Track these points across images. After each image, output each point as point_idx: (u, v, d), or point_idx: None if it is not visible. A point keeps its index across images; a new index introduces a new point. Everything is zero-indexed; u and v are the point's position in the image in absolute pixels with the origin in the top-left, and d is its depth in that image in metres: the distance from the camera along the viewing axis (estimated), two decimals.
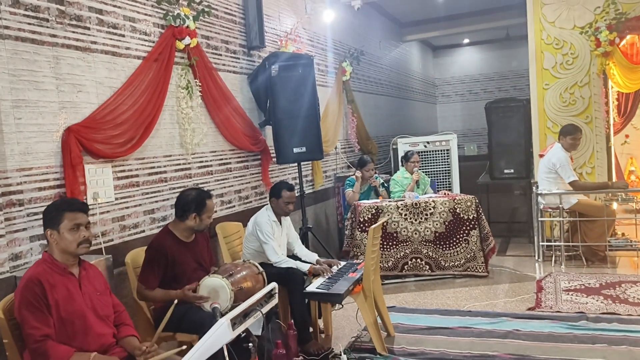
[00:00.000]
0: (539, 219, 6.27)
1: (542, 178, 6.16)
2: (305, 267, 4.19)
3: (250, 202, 5.33)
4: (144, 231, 3.89)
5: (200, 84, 4.44)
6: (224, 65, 4.98)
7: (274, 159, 5.53)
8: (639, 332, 3.95)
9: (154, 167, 4.02)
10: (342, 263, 4.45)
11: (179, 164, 4.31)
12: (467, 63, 14.49)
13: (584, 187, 6.03)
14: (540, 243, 6.27)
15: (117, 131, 3.58)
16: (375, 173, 6.63)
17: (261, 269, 3.48)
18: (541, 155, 6.29)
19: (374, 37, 9.48)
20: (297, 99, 5.36)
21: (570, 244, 6.12)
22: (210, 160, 4.72)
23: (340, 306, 4.75)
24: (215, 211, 4.71)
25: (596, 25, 6.41)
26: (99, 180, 3.50)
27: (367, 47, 8.72)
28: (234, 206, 5.06)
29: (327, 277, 4.08)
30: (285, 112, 5.32)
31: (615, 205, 6.76)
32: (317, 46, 6.99)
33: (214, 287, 3.16)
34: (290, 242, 4.56)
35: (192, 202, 3.39)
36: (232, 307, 3.17)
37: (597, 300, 4.74)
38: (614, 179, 6.90)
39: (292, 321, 3.94)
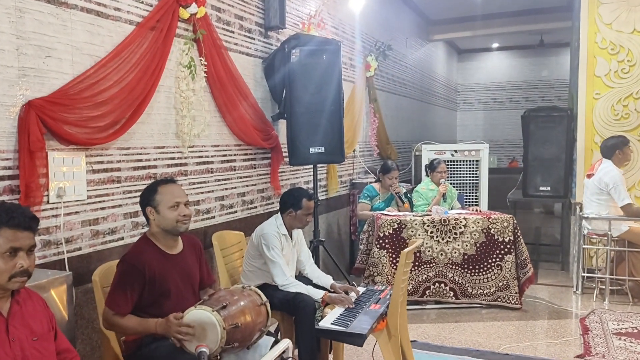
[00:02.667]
0: (582, 246, 5.50)
1: (591, 200, 5.38)
2: (318, 295, 3.42)
3: (256, 207, 4.58)
4: (122, 238, 3.13)
5: (205, 63, 3.69)
6: (236, 44, 4.23)
7: (286, 159, 4.76)
8: None
9: (141, 160, 3.27)
10: (361, 289, 3.70)
11: (173, 158, 3.56)
12: (494, 69, 13.68)
13: (638, 212, 5.26)
14: (581, 274, 5.50)
15: (97, 112, 2.83)
16: (398, 181, 5.87)
17: (265, 299, 2.71)
18: (589, 175, 5.52)
19: (400, 32, 8.72)
20: (319, 90, 4.58)
21: (615, 277, 5.35)
22: (212, 156, 3.97)
23: None
24: (213, 216, 3.99)
25: None
26: (67, 173, 2.75)
27: (393, 42, 7.95)
28: (236, 212, 4.31)
29: (344, 308, 3.32)
30: (303, 105, 4.55)
31: None
32: (341, 35, 6.24)
33: (201, 322, 2.39)
34: (301, 261, 3.81)
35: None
36: (224, 350, 2.43)
37: None
38: None
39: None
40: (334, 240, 6.18)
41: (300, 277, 3.77)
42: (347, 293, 3.56)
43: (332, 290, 3.59)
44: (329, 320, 3.10)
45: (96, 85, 2.84)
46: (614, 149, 5.33)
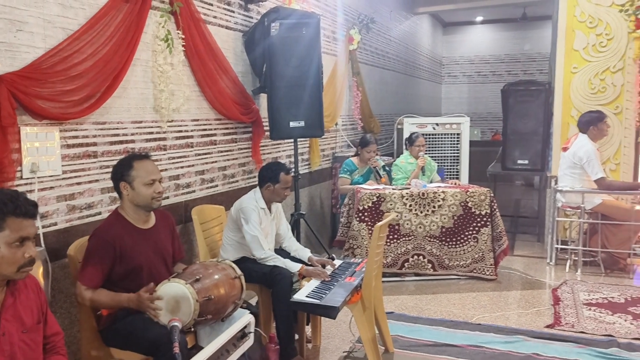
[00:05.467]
0: (556, 218, 5.56)
1: (565, 173, 5.42)
2: (295, 267, 3.44)
3: (237, 181, 4.56)
4: (100, 213, 3.10)
5: (183, 36, 3.62)
6: (215, 17, 4.15)
7: (268, 133, 4.73)
8: None
9: (117, 135, 3.23)
10: (337, 262, 3.71)
11: (151, 133, 3.52)
12: (478, 43, 13.58)
13: (611, 185, 5.30)
14: (555, 245, 5.57)
15: (70, 86, 2.77)
16: (377, 155, 5.87)
17: (239, 272, 2.72)
18: (565, 148, 5.55)
19: (385, 5, 8.59)
20: (300, 64, 4.52)
21: (588, 249, 5.42)
22: (191, 130, 3.92)
23: None
24: (193, 191, 3.96)
25: (638, 3, 5.57)
26: (41, 148, 2.70)
27: (377, 15, 7.86)
28: (217, 186, 4.28)
29: (320, 281, 3.34)
30: (284, 79, 4.49)
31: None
32: (323, 8, 6.14)
33: (175, 295, 2.39)
34: (280, 234, 3.81)
35: None
36: (197, 323, 2.44)
37: (625, 321, 4.06)
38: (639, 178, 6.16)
39: (275, 332, 3.24)
40: (316, 213, 6.19)
41: (279, 250, 3.77)
42: (324, 266, 3.58)
43: (310, 263, 3.61)
44: (303, 293, 3.12)
45: (69, 58, 2.78)
46: (588, 124, 5.34)
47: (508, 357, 3.48)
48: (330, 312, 2.96)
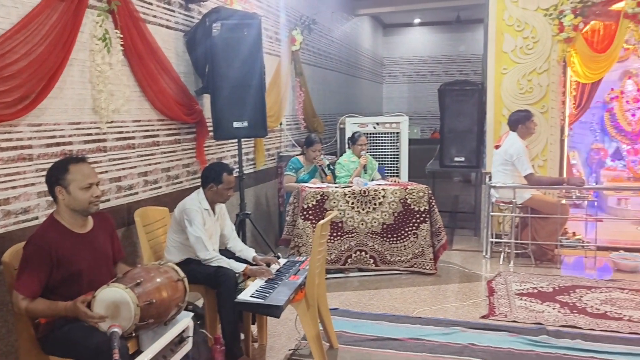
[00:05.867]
0: (490, 213, 5.74)
1: (498, 170, 5.60)
2: (239, 268, 3.40)
3: (181, 182, 4.46)
4: (37, 218, 2.96)
5: (122, 36, 3.51)
6: (155, 17, 4.04)
7: (211, 134, 4.65)
8: (607, 354, 3.44)
9: (54, 137, 3.09)
10: (282, 261, 3.70)
11: (90, 134, 3.39)
12: (417, 44, 13.84)
13: (539, 181, 5.51)
14: (489, 239, 5.75)
15: (3, 87, 2.63)
16: (321, 154, 5.90)
17: (182, 274, 2.66)
18: (497, 146, 5.73)
19: (326, 6, 8.62)
20: (242, 65, 4.47)
21: (520, 241, 5.63)
22: (133, 132, 3.81)
23: None
24: (136, 192, 3.86)
25: (561, 7, 5.80)
26: None
27: (319, 16, 7.87)
28: (161, 187, 4.17)
29: (264, 280, 3.32)
30: (227, 80, 4.43)
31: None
32: (265, 9, 6.09)
33: (114, 300, 2.32)
34: (224, 235, 3.76)
35: None
36: (139, 327, 2.37)
37: (553, 309, 4.23)
38: (564, 173, 6.44)
39: (221, 333, 3.20)
40: (262, 212, 6.15)
41: (224, 251, 3.72)
42: (268, 265, 3.56)
43: (255, 263, 3.58)
44: (248, 293, 3.09)
45: (2, 58, 2.64)
46: (517, 123, 5.54)
47: (446, 348, 3.56)
48: (274, 311, 2.95)
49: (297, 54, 6.94)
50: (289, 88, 6.76)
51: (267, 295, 3.07)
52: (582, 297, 4.49)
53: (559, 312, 4.18)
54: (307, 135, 5.92)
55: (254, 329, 3.69)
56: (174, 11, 4.32)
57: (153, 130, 4.06)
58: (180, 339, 1.86)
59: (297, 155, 5.88)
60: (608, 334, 3.77)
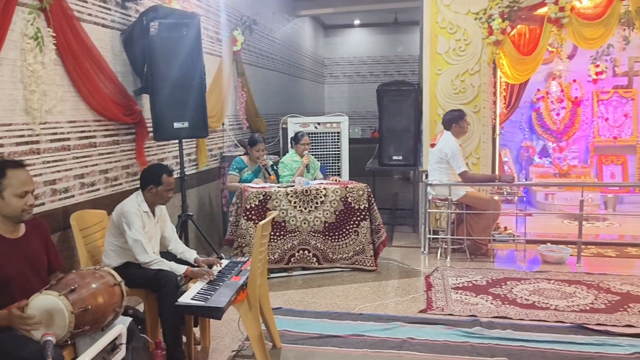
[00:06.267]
0: (427, 210, 5.86)
1: (434, 168, 5.72)
2: (180, 270, 3.32)
3: (121, 184, 4.31)
4: None
5: (54, 34, 3.35)
6: (90, 15, 3.89)
7: (151, 134, 4.53)
8: (535, 342, 3.57)
9: None
10: (225, 262, 3.65)
11: (22, 136, 3.22)
12: (357, 45, 13.96)
13: (472, 178, 5.67)
14: (427, 235, 5.87)
15: None
16: (265, 154, 5.86)
17: (119, 278, 2.57)
18: (432, 145, 5.86)
19: (267, 7, 8.56)
20: (181, 65, 4.37)
21: (456, 237, 5.78)
22: (68, 133, 3.65)
23: None
24: (72, 195, 3.70)
25: (490, 12, 5.99)
26: None
27: (260, 17, 7.81)
28: (99, 189, 4.02)
29: (206, 282, 3.25)
30: (166, 80, 4.32)
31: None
32: (205, 8, 5.98)
33: (48, 308, 2.21)
34: (165, 237, 3.66)
35: None
36: (74, 335, 2.28)
37: (486, 301, 4.37)
38: (497, 171, 6.66)
39: (162, 337, 3.11)
40: (206, 213, 6.04)
41: (165, 253, 3.63)
42: (210, 267, 3.50)
43: (196, 265, 3.51)
44: (189, 295, 3.02)
45: None
46: (451, 122, 5.67)
47: (386, 343, 3.61)
48: (216, 313, 2.90)
49: (239, 54, 6.86)
50: (231, 88, 6.67)
51: (209, 297, 3.02)
52: (512, 288, 4.65)
53: (492, 304, 4.31)
54: (251, 135, 5.87)
55: (196, 331, 3.62)
56: (109, 9, 4.17)
57: (89, 131, 3.91)
58: (113, 346, 1.79)
59: (240, 155, 5.81)
60: (536, 323, 3.92)
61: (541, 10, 5.85)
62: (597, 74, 8.23)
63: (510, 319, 4.01)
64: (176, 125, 4.44)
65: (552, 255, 5.45)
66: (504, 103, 6.61)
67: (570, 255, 5.43)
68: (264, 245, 3.41)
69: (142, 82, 4.46)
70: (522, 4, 5.92)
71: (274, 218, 4.88)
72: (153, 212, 3.55)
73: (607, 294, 4.45)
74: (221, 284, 3.23)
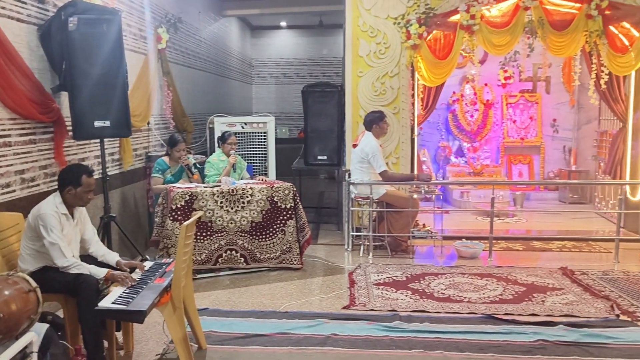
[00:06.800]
0: (350, 208, 5.95)
1: (356, 167, 5.82)
2: (101, 273, 3.18)
3: (38, 185, 4.07)
4: None
5: None
6: (3, 9, 3.64)
7: (71, 133, 4.31)
8: (450, 333, 3.71)
9: None
10: (148, 264, 3.53)
11: None
12: (283, 46, 13.93)
13: (392, 177, 5.81)
14: (351, 233, 5.96)
15: None
16: (190, 154, 5.74)
17: (34, 284, 2.43)
18: (354, 145, 5.95)
19: (193, 5, 8.36)
20: (102, 62, 4.20)
21: (377, 234, 5.90)
22: None
23: None
24: None
25: (408, 17, 6.17)
26: None
27: (185, 15, 7.63)
28: (14, 191, 3.78)
29: (128, 285, 3.14)
30: (86, 77, 4.14)
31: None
32: (129, 5, 5.75)
33: None
34: (85, 240, 3.49)
35: None
36: None
37: (406, 296, 4.49)
38: (415, 170, 6.86)
39: (82, 343, 2.97)
40: (131, 214, 5.81)
41: (86, 256, 3.47)
42: (133, 269, 3.38)
43: (118, 268, 3.38)
44: (110, 299, 2.90)
45: None
46: (371, 123, 5.79)
47: (310, 340, 3.63)
48: (138, 316, 2.80)
49: (164, 53, 6.66)
50: (157, 87, 6.47)
51: (131, 300, 2.91)
52: (430, 283, 4.80)
53: (411, 298, 4.44)
54: (171, 135, 5.72)
55: (119, 335, 3.48)
56: (25, 3, 3.92)
57: (3, 130, 3.67)
58: (23, 355, 1.68)
59: (163, 156, 5.65)
60: (451, 315, 4.08)
61: (454, 18, 6.09)
62: (505, 78, 8.68)
63: (428, 312, 4.14)
64: (97, 124, 4.27)
65: (467, 251, 5.69)
66: (422, 105, 6.81)
67: (483, 250, 5.69)
68: (189, 246, 3.33)
69: (60, 79, 4.23)
70: (437, 11, 6.13)
71: (199, 218, 4.82)
72: (72, 214, 3.38)
73: (514, 286, 4.70)
74: (144, 286, 3.12)
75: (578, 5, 5.93)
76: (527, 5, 5.89)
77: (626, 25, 5.99)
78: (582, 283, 4.73)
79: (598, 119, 7.80)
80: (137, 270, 3.37)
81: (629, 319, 3.95)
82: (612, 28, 5.98)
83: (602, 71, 6.20)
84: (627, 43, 6.00)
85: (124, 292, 3.01)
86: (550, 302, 4.31)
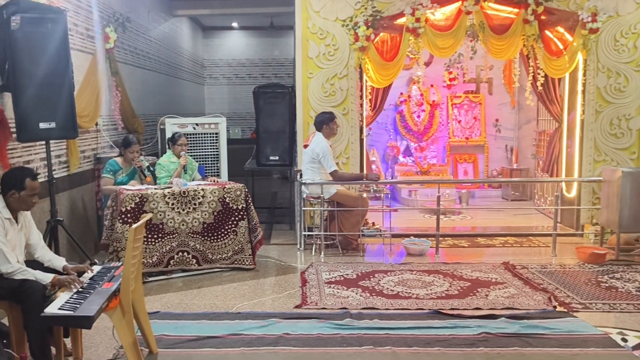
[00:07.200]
0: (302, 208, 5.96)
1: (307, 167, 5.84)
2: (47, 278, 3.08)
3: None
4: None
5: None
6: None
7: (15, 135, 4.13)
8: (399, 329, 3.77)
9: None
10: (97, 268, 3.43)
11: None
12: (235, 47, 13.78)
13: (342, 177, 5.86)
14: (303, 232, 5.97)
15: None
16: (142, 155, 5.61)
17: None
18: (305, 146, 5.97)
19: (142, 5, 8.17)
20: (46, 62, 4.06)
21: (329, 233, 5.94)
22: None
23: None
24: None
25: (355, 19, 6.23)
26: None
27: (134, 15, 7.44)
28: None
29: (75, 289, 3.04)
30: (29, 77, 4.00)
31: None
32: (75, 3, 5.56)
33: None
34: (31, 244, 3.37)
35: None
36: None
37: (356, 294, 4.54)
38: (364, 170, 6.93)
39: (29, 351, 2.86)
40: (79, 217, 5.62)
41: (32, 261, 3.34)
42: (81, 274, 3.28)
43: (65, 273, 3.27)
44: (56, 305, 2.81)
45: None
46: (322, 124, 5.83)
47: (262, 340, 3.61)
48: (85, 322, 2.72)
49: (112, 52, 6.47)
50: (105, 87, 6.28)
51: (78, 306, 2.82)
52: (380, 280, 4.87)
53: (361, 296, 4.49)
54: (124, 136, 5.58)
55: (68, 342, 3.36)
56: None
57: None
58: None
59: (115, 157, 5.50)
60: (400, 311, 4.15)
61: (400, 20, 6.20)
62: (450, 80, 8.90)
63: (378, 309, 4.20)
64: (42, 125, 4.12)
65: (415, 248, 5.80)
66: (370, 106, 6.89)
67: (430, 247, 5.81)
68: (138, 249, 3.26)
69: (3, 80, 4.07)
70: (384, 14, 6.22)
71: (150, 220, 4.73)
72: (16, 218, 3.26)
73: (460, 281, 4.83)
74: (92, 291, 3.03)
75: (516, 10, 6.16)
76: (469, 10, 6.07)
77: (560, 29, 6.27)
78: (522, 277, 4.91)
79: (536, 119, 8.11)
80: (85, 274, 3.27)
81: (565, 310, 4.13)
82: (547, 32, 6.24)
83: (539, 73, 6.46)
84: (561, 47, 6.27)
85: (71, 298, 2.92)
86: (493, 296, 4.45)
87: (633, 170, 5.50)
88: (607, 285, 4.71)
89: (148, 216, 3.50)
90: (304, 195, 5.89)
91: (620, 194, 5.39)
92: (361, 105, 6.55)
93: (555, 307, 4.20)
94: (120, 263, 3.55)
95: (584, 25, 6.08)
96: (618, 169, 5.54)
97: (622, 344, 3.55)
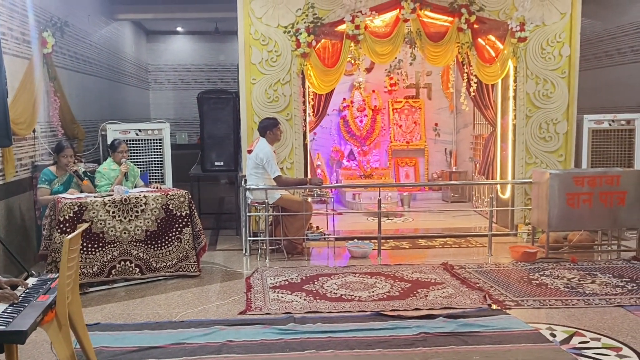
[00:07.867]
0: (247, 213, 5.92)
1: (251, 173, 5.81)
2: None
3: None
4: None
5: None
6: None
7: None
8: (341, 332, 3.80)
9: None
10: (32, 281, 3.28)
11: None
12: (180, 52, 13.51)
13: (286, 182, 5.87)
14: (248, 238, 5.93)
15: None
16: (80, 161, 5.42)
17: None
18: (249, 151, 5.94)
19: (81, 8, 7.89)
20: None
21: (274, 238, 5.92)
22: None
23: None
24: None
25: (297, 26, 6.26)
26: None
27: (73, 19, 7.19)
28: None
29: (9, 304, 2.90)
30: None
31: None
32: (9, 7, 5.32)
33: None
34: None
35: None
36: None
37: (300, 298, 4.54)
38: (309, 174, 6.96)
39: None
40: (16, 227, 5.36)
41: None
42: (14, 287, 3.13)
43: None
44: None
45: None
46: (265, 129, 5.82)
47: (205, 349, 3.56)
48: (18, 337, 2.58)
49: (50, 57, 6.23)
50: (42, 93, 6.03)
51: (11, 320, 2.68)
52: (324, 284, 4.90)
53: (305, 300, 4.49)
54: (57, 142, 5.37)
55: (2, 357, 3.20)
56: None
57: None
58: None
59: (49, 165, 5.29)
60: (342, 314, 4.18)
61: (341, 27, 6.28)
62: (391, 85, 9.07)
63: (321, 312, 4.21)
64: None
65: (358, 251, 5.86)
66: (313, 111, 6.92)
67: (373, 249, 5.89)
68: (74, 260, 3.13)
69: None
70: (325, 21, 6.28)
71: (90, 229, 4.58)
72: None
73: (400, 282, 4.92)
74: (26, 304, 2.89)
75: (450, 19, 6.37)
76: (406, 18, 6.22)
77: (492, 38, 6.51)
78: (460, 277, 5.05)
79: (473, 123, 8.38)
80: (19, 287, 3.12)
81: (499, 308, 4.28)
82: (480, 40, 6.48)
83: (473, 79, 6.68)
84: (493, 54, 6.52)
85: (4, 312, 2.78)
86: (432, 296, 4.56)
87: (560, 172, 5.76)
88: (537, 282, 4.91)
89: (84, 226, 3.38)
90: (249, 201, 5.86)
91: (549, 195, 5.64)
92: (304, 110, 6.57)
93: (490, 305, 4.34)
94: (57, 275, 3.40)
95: (513, 34, 6.35)
96: (546, 171, 5.78)
97: (551, 338, 3.71)
